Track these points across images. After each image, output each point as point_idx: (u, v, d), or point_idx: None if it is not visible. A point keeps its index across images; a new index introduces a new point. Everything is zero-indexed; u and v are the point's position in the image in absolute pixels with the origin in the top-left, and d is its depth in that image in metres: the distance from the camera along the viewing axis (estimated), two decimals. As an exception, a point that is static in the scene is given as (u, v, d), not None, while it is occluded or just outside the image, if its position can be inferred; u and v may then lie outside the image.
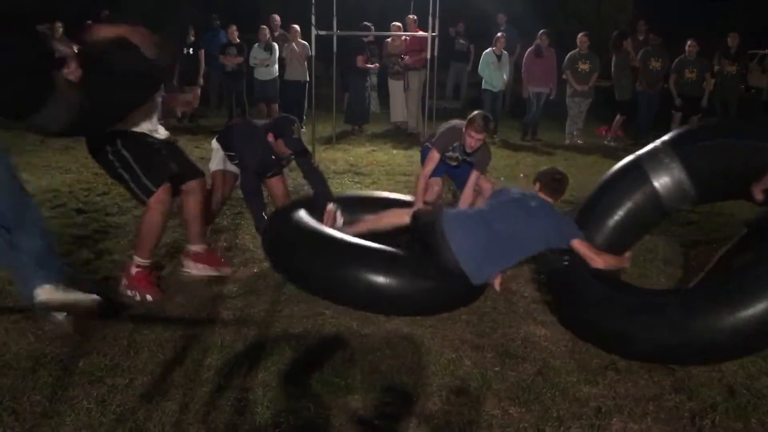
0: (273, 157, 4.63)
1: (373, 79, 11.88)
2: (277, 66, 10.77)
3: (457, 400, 2.90)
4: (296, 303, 3.88)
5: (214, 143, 4.75)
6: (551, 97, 10.52)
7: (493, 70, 10.24)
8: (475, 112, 4.88)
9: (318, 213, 4.48)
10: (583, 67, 10.15)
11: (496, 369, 3.18)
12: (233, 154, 4.61)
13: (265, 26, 10.89)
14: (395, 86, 10.86)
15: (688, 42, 9.79)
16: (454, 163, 5.08)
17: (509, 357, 3.30)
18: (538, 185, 4.07)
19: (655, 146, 4.07)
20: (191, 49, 11.16)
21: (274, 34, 11.14)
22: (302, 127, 10.74)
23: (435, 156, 4.99)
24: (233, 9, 14.96)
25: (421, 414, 2.79)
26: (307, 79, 10.49)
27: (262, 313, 3.72)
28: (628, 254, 4.02)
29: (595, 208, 4.08)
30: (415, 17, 10.49)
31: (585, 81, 10.17)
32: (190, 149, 8.88)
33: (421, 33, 9.96)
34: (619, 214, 3.95)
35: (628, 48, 10.37)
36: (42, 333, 3.36)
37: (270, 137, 4.55)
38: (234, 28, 11.15)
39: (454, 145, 4.98)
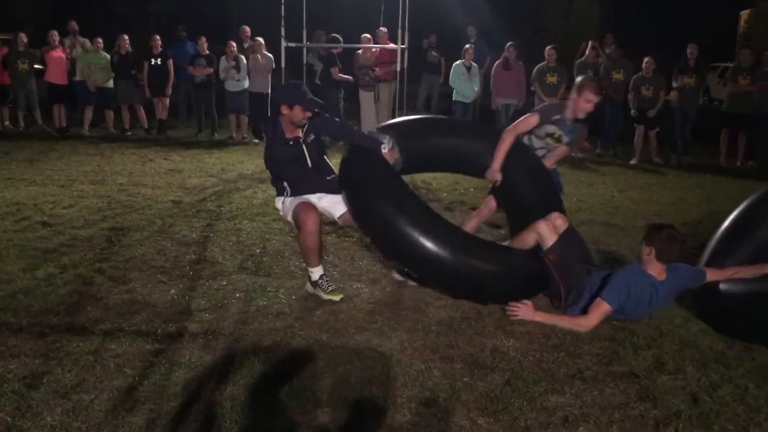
0: (288, 144, 4.22)
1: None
2: (246, 78, 10.75)
3: (426, 412, 2.90)
4: (266, 316, 3.86)
5: None
6: (519, 108, 10.64)
7: (463, 82, 10.35)
8: (582, 77, 4.77)
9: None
10: (551, 79, 10.30)
11: (465, 380, 3.19)
12: None
13: (231, 41, 10.88)
14: (366, 98, 10.90)
15: (645, 60, 9.98)
16: (551, 143, 4.80)
17: (478, 367, 3.31)
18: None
19: None
20: (159, 59, 11.11)
21: (244, 45, 11.13)
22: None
23: (533, 119, 4.63)
24: (203, 20, 14.92)
25: (391, 426, 2.79)
26: (269, 91, 10.67)
27: (231, 327, 3.70)
28: None
29: (749, 225, 4.21)
30: (386, 30, 10.55)
31: (553, 93, 10.30)
32: (159, 161, 8.84)
33: (391, 45, 10.03)
34: None
35: (591, 57, 10.57)
36: (6, 349, 3.30)
37: (284, 110, 4.12)
38: (203, 39, 11.11)
39: (557, 116, 4.68)
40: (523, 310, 3.91)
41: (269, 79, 10.71)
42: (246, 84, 10.73)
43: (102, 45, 11.19)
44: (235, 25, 12.66)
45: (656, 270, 3.81)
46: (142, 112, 11.39)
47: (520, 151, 4.70)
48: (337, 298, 4.15)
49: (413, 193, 4.30)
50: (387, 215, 3.93)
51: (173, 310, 3.92)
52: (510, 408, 2.93)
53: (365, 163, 4.21)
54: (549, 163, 4.84)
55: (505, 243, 4.51)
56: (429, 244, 3.85)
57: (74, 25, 11.74)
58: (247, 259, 4.85)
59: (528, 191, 4.67)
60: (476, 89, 10.59)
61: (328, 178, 4.35)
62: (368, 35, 10.71)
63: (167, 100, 11.47)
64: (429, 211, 4.17)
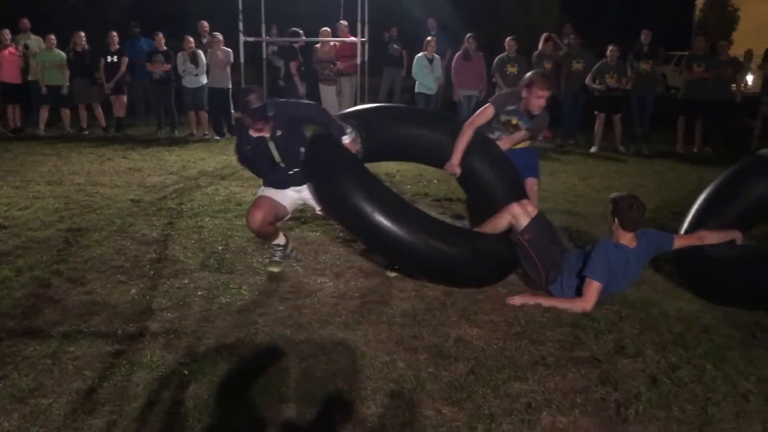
0: (252, 144, 4.25)
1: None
2: (205, 74, 10.62)
3: (391, 403, 2.90)
4: (229, 313, 3.82)
5: None
6: (481, 99, 10.70)
7: (425, 74, 10.38)
8: (530, 73, 4.81)
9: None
10: (512, 69, 10.37)
11: (430, 370, 3.20)
12: None
13: (189, 36, 10.73)
14: (327, 92, 10.85)
15: (610, 47, 10.10)
16: (512, 130, 4.88)
17: (442, 357, 3.33)
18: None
19: None
20: (116, 57, 10.91)
21: (203, 41, 10.98)
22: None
23: (489, 111, 4.71)
24: (159, 16, 14.67)
25: (356, 419, 2.79)
26: (230, 86, 10.55)
27: (193, 325, 3.65)
28: (738, 233, 4.26)
29: (719, 195, 4.43)
30: (346, 23, 10.51)
31: (513, 83, 10.36)
32: (118, 160, 8.70)
33: (351, 38, 9.99)
34: (742, 201, 4.34)
35: (547, 49, 10.67)
36: (-42, 355, 3.21)
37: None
38: (161, 35, 10.94)
39: (511, 108, 4.76)
40: (523, 296, 4.07)
41: (228, 73, 10.61)
42: (204, 80, 10.60)
43: (55, 42, 10.93)
44: (193, 20, 12.46)
45: (626, 239, 3.99)
46: (99, 111, 11.18)
47: (481, 143, 4.74)
48: (275, 269, 4.43)
49: (379, 180, 4.31)
50: (355, 201, 3.96)
51: (134, 310, 3.85)
52: (474, 396, 2.95)
53: (330, 151, 4.22)
54: (505, 145, 4.89)
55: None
56: (399, 230, 3.91)
57: (26, 22, 11.44)
58: (209, 257, 4.79)
59: (492, 183, 4.71)
60: (438, 80, 10.61)
61: (291, 172, 4.36)
62: (327, 29, 10.66)
63: (125, 98, 11.28)
64: (397, 197, 4.25)
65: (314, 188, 4.28)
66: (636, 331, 3.65)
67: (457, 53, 10.64)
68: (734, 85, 10.65)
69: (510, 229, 4.23)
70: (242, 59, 9.31)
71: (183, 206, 6.23)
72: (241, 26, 8.73)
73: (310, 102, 4.57)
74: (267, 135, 4.24)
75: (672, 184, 7.84)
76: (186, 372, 3.12)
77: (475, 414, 2.81)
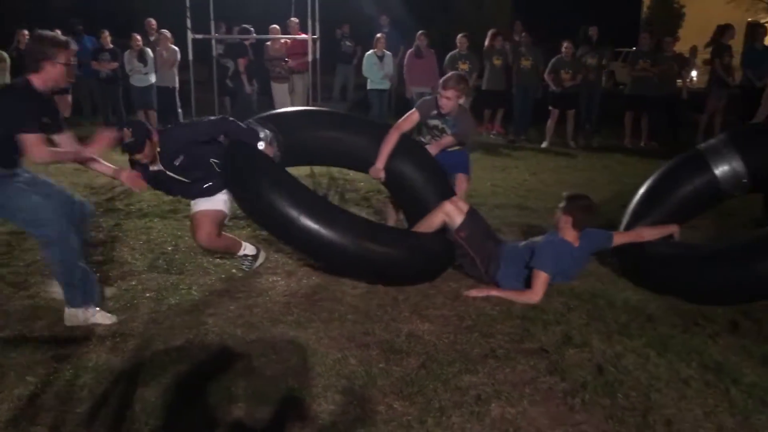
0: (151, 177, 4.18)
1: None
2: (153, 72, 10.44)
3: (342, 400, 2.90)
4: (178, 314, 3.77)
5: None
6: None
7: (375, 71, 10.37)
8: (447, 74, 4.88)
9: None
10: (463, 66, 10.42)
11: (381, 365, 3.21)
12: None
13: (136, 34, 10.53)
14: (279, 90, 10.76)
15: (564, 44, 10.26)
16: (437, 134, 4.97)
17: (394, 353, 3.34)
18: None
19: (717, 140, 4.65)
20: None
21: (150, 38, 10.79)
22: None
23: (414, 116, 4.78)
24: (105, 13, 14.35)
25: (306, 417, 2.78)
26: (176, 85, 10.44)
27: (141, 327, 3.59)
28: (675, 227, 4.39)
29: (658, 189, 4.61)
30: (297, 20, 10.45)
31: (465, 80, 10.45)
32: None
33: (302, 36, 9.94)
34: (679, 195, 4.51)
35: (497, 45, 10.79)
36: None
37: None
38: (106, 33, 10.70)
39: (434, 112, 4.86)
40: (478, 289, 4.14)
41: (175, 72, 10.46)
42: (153, 78, 10.42)
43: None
44: (140, 17, 12.22)
45: (572, 236, 4.11)
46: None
47: (406, 146, 4.76)
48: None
49: (303, 184, 4.27)
50: (282, 209, 3.92)
51: (79, 313, 3.76)
52: (425, 390, 2.97)
53: (246, 159, 4.13)
54: (433, 150, 4.94)
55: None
56: (332, 234, 3.92)
57: None
58: (158, 258, 4.71)
59: (419, 185, 4.71)
60: (388, 77, 10.62)
61: (205, 185, 4.19)
62: (277, 26, 10.58)
63: (69, 97, 10.99)
64: (324, 200, 4.37)
65: (237, 200, 4.21)
66: (583, 321, 3.72)
67: (409, 50, 10.67)
68: (680, 80, 10.93)
69: (444, 228, 4.31)
70: (191, 57, 9.15)
71: (131, 207, 6.11)
72: (188, 23, 8.58)
73: (212, 118, 4.32)
74: (161, 167, 4.08)
75: (621, 177, 8.00)
76: (133, 375, 3.07)
77: (426, 408, 2.83)
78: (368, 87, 10.55)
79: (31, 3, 19.42)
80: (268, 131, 4.29)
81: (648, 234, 4.32)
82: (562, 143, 10.42)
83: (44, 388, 2.95)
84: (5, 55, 10.61)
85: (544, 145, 10.34)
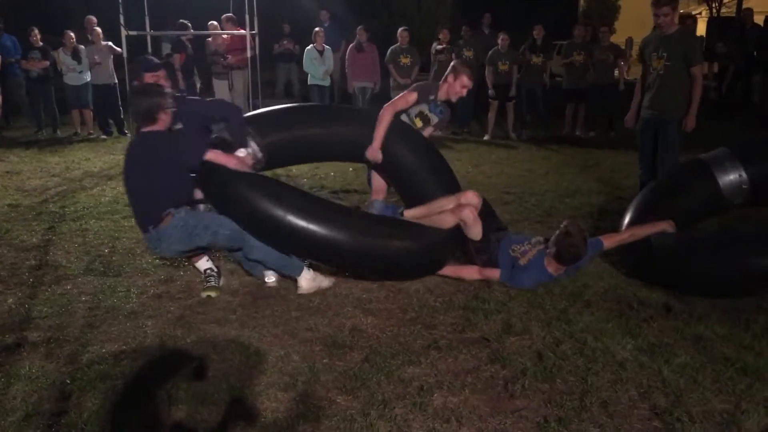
0: None
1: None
2: (88, 70, 10.15)
3: (285, 397, 2.89)
4: (115, 317, 3.68)
5: None
6: (375, 91, 10.77)
7: (317, 66, 10.33)
8: (457, 60, 4.75)
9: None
10: (405, 60, 10.49)
11: (325, 361, 3.20)
12: None
13: (69, 31, 10.20)
14: (220, 86, 10.60)
15: (501, 36, 10.40)
16: (419, 123, 4.71)
17: (337, 347, 3.34)
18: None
19: (720, 151, 4.70)
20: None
21: (89, 36, 10.46)
22: (126, 133, 10.22)
23: (411, 97, 4.57)
24: (35, 11, 13.86)
25: (250, 416, 2.75)
26: (115, 81, 10.14)
27: (77, 332, 3.49)
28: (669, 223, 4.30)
29: (662, 196, 4.65)
30: (233, 15, 10.31)
31: (407, 74, 10.51)
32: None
33: (240, 31, 9.81)
34: (681, 202, 4.57)
35: (446, 39, 10.86)
36: None
37: None
38: (36, 30, 10.32)
39: (432, 97, 4.66)
40: None
41: (111, 69, 10.20)
42: (88, 77, 10.13)
43: None
44: (72, 14, 11.84)
45: (554, 267, 4.08)
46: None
47: (400, 127, 4.58)
48: (214, 294, 4.04)
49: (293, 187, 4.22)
50: (284, 218, 3.79)
51: (11, 320, 3.64)
52: (368, 383, 2.98)
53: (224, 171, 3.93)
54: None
55: (411, 213, 4.40)
56: (346, 234, 3.85)
57: None
58: (94, 260, 4.59)
59: (417, 166, 4.50)
60: (328, 71, 10.57)
61: None
62: (215, 22, 10.42)
63: (-1, 97, 10.57)
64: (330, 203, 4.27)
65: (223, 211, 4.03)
66: (523, 309, 3.79)
67: (350, 45, 10.65)
68: (616, 70, 11.17)
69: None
70: (125, 54, 8.91)
71: (66, 209, 5.93)
72: (122, 19, 8.35)
73: (230, 103, 4.38)
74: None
75: (559, 167, 8.17)
76: (68, 381, 2.99)
77: (369, 401, 2.84)
78: (309, 82, 10.50)
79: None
80: (254, 143, 4.12)
81: (641, 232, 4.26)
82: (504, 135, 10.56)
83: (-26, 398, 2.85)
84: None
85: (486, 137, 10.46)
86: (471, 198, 4.28)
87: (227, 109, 4.34)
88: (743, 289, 3.99)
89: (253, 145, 4.10)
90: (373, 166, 4.62)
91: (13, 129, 11.11)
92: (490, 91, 10.46)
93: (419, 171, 4.48)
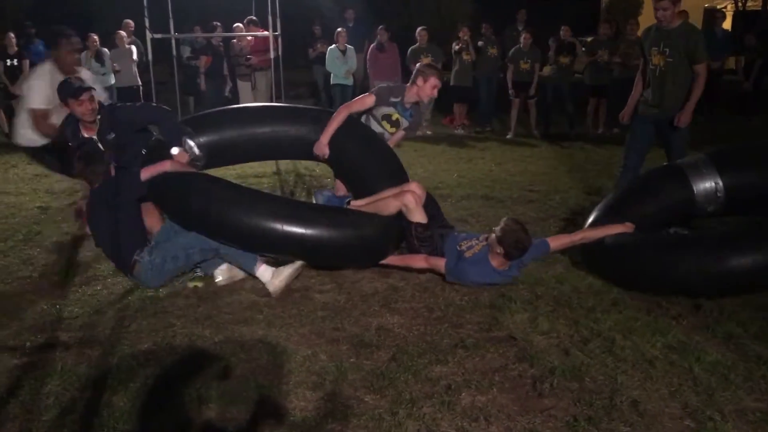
0: (79, 142, 4.38)
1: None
2: (112, 73, 10.28)
3: (313, 396, 2.90)
4: (144, 317, 3.72)
5: None
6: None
7: (339, 65, 10.37)
8: (421, 63, 4.82)
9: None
10: (425, 60, 10.46)
11: (352, 360, 3.21)
12: None
13: (93, 34, 10.34)
14: (244, 88, 10.69)
15: (523, 35, 10.37)
16: (387, 127, 4.82)
17: (364, 347, 3.35)
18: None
19: (697, 157, 4.60)
20: (15, 59, 10.42)
21: (123, 33, 10.60)
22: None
23: (369, 100, 4.69)
24: (63, 15, 14.06)
25: (278, 415, 2.77)
26: (139, 83, 10.30)
27: (107, 332, 3.54)
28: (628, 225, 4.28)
29: (632, 198, 4.59)
30: (255, 18, 10.39)
31: (429, 73, 10.48)
32: (23, 166, 8.33)
33: (264, 33, 9.86)
34: (655, 207, 4.48)
35: (465, 37, 10.81)
36: None
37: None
38: (63, 34, 10.47)
39: (395, 99, 4.74)
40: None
41: (135, 71, 10.33)
42: (112, 80, 10.25)
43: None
44: (98, 18, 12.01)
45: (500, 262, 4.05)
46: (2, 116, 10.64)
47: (352, 125, 4.70)
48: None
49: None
50: (213, 209, 3.98)
51: (43, 321, 3.70)
52: (395, 382, 2.98)
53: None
54: (391, 144, 4.86)
55: (357, 202, 4.51)
56: (275, 222, 3.96)
57: None
58: (123, 261, 4.64)
59: (366, 159, 4.65)
60: (351, 71, 10.58)
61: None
62: (240, 24, 10.50)
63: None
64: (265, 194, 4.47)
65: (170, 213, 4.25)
66: (550, 308, 3.77)
67: (371, 45, 10.67)
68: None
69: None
70: (150, 57, 9.00)
71: (94, 211, 6.00)
72: (147, 22, 8.43)
73: (160, 106, 4.60)
74: (93, 135, 4.32)
75: (584, 165, 8.11)
76: (100, 381, 3.03)
77: (397, 399, 2.85)
78: (331, 82, 10.54)
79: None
80: (190, 141, 4.29)
81: (595, 234, 4.24)
82: (527, 133, 10.51)
83: (9, 397, 2.90)
84: None
85: (509, 136, 10.42)
86: (414, 187, 4.36)
87: (157, 112, 4.56)
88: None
89: (189, 143, 4.28)
90: (322, 161, 4.75)
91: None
92: (511, 91, 10.42)
93: (368, 170, 4.61)
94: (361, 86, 12.36)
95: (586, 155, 8.83)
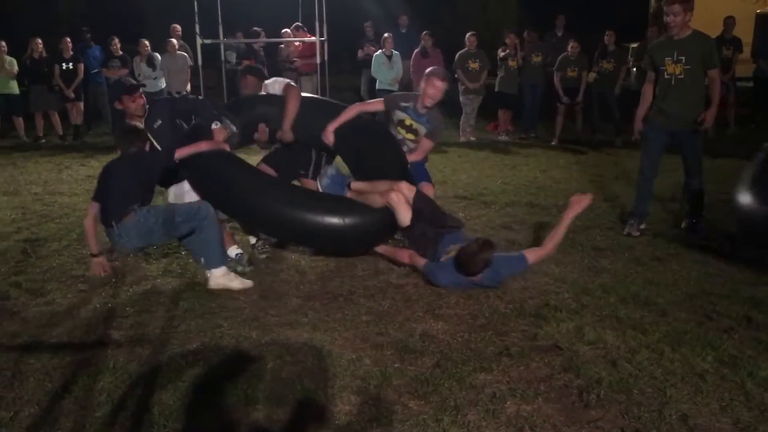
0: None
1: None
2: (163, 77, 10.51)
3: (358, 400, 2.92)
4: (192, 318, 3.80)
5: None
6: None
7: (385, 70, 10.41)
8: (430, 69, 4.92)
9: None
10: (473, 65, 10.46)
11: (396, 365, 3.22)
12: None
13: (144, 39, 10.60)
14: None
15: (571, 43, 10.28)
16: (404, 133, 4.93)
17: (408, 352, 3.35)
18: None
19: None
20: (71, 63, 10.73)
21: (174, 41, 10.85)
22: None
23: (378, 104, 4.92)
24: (116, 19, 14.42)
25: (323, 417, 2.80)
26: (188, 89, 10.59)
27: (157, 331, 3.62)
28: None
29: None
30: (301, 24, 10.53)
31: (476, 79, 10.48)
32: (76, 168, 8.56)
33: (310, 38, 9.98)
34: None
35: (513, 43, 10.75)
36: None
37: (117, 104, 4.77)
38: (116, 39, 10.78)
39: (406, 104, 4.88)
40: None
41: (184, 78, 10.54)
42: (163, 84, 10.49)
43: (5, 49, 10.69)
44: (150, 23, 12.30)
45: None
46: (56, 118, 10.98)
47: (364, 121, 4.92)
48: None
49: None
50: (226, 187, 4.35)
51: (95, 319, 3.81)
52: (440, 389, 2.98)
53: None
54: (418, 156, 4.95)
55: (356, 185, 4.69)
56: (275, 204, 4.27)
57: None
58: (171, 262, 4.75)
59: (369, 154, 4.80)
60: (397, 77, 10.60)
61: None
62: (288, 30, 10.65)
63: (81, 105, 11.09)
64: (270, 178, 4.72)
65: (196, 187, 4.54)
66: (596, 318, 3.72)
67: (416, 50, 10.69)
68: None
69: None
70: (200, 62, 9.20)
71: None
72: (197, 28, 8.62)
73: (198, 97, 5.32)
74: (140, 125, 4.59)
75: (631, 172, 7.94)
76: (150, 378, 3.10)
77: (441, 406, 2.85)
78: (377, 87, 10.58)
79: (40, 11, 19.54)
80: (227, 120, 4.59)
81: (561, 231, 4.24)
82: (572, 140, 10.39)
83: (63, 393, 2.98)
84: (14, 61, 10.71)
85: (554, 142, 10.32)
86: (402, 187, 4.42)
87: (195, 102, 5.08)
88: None
89: (227, 121, 4.58)
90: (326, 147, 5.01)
91: (95, 135, 11.60)
92: (564, 99, 10.31)
93: (374, 163, 4.74)
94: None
95: (634, 162, 8.63)
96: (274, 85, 5.01)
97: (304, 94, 5.03)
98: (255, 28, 11.39)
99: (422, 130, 4.90)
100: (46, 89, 10.89)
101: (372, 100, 4.97)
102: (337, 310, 3.92)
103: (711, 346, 3.34)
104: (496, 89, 10.96)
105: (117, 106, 4.71)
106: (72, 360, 3.29)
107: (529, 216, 5.96)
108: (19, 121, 10.95)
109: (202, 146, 4.41)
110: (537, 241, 5.12)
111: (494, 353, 3.34)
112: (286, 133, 4.81)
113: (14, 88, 10.77)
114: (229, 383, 3.06)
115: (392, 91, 10.51)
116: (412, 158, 4.90)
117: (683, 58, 5.04)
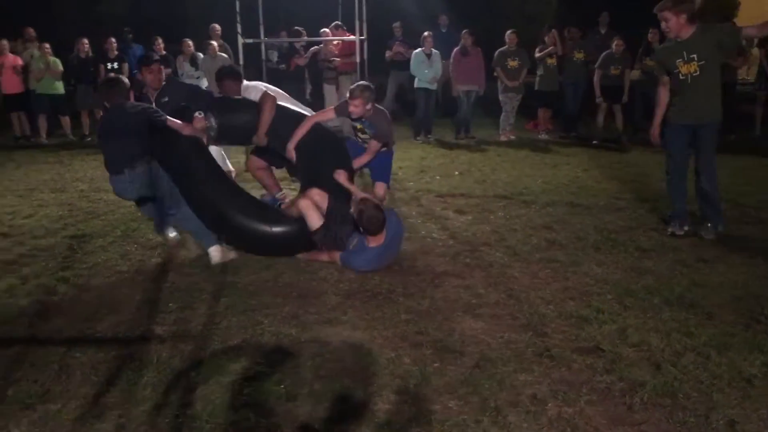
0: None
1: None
2: (205, 77, 10.64)
3: (397, 399, 2.92)
4: (234, 314, 3.84)
5: None
6: (480, 95, 10.69)
7: (423, 69, 10.37)
8: (354, 85, 5.21)
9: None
10: (513, 63, 10.36)
11: (435, 365, 3.21)
12: None
13: (187, 39, 10.74)
14: (330, 91, 10.88)
15: (615, 41, 10.11)
16: (362, 136, 5.38)
17: (448, 352, 3.34)
18: None
19: None
20: (115, 63, 10.94)
21: (215, 44, 10.99)
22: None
23: (329, 113, 5.36)
24: (158, 19, 14.65)
25: (363, 415, 2.81)
26: None
27: (199, 327, 3.68)
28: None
29: None
30: (340, 23, 10.55)
31: (515, 77, 10.38)
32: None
33: (351, 37, 9.99)
34: None
35: (552, 41, 10.61)
36: (-33, 364, 3.24)
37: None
38: (160, 39, 10.95)
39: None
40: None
41: None
42: (206, 83, 10.61)
43: (50, 50, 10.94)
44: (192, 23, 12.47)
45: (375, 241, 4.53)
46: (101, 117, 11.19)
47: (319, 133, 5.24)
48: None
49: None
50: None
51: (139, 314, 3.88)
52: (480, 389, 2.97)
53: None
54: (369, 156, 5.35)
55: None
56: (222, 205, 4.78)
57: (31, 32, 11.43)
58: (213, 259, 4.81)
59: (324, 169, 5.07)
60: (437, 76, 10.56)
61: None
62: (328, 30, 10.68)
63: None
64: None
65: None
66: (639, 320, 3.66)
67: (455, 49, 10.63)
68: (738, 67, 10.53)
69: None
70: (241, 61, 9.26)
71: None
72: (239, 28, 8.69)
73: (203, 89, 6.05)
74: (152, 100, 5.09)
75: (674, 172, 7.80)
76: (193, 374, 3.15)
77: (481, 407, 2.83)
78: (415, 85, 10.53)
79: (83, 12, 19.96)
80: (211, 115, 5.03)
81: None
82: (614, 139, 10.23)
83: (108, 386, 3.05)
84: (58, 62, 10.96)
85: (594, 142, 10.17)
86: (312, 194, 4.80)
87: (199, 90, 5.64)
88: None
89: (209, 115, 4.99)
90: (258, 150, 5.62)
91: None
92: (598, 98, 10.17)
93: (325, 175, 5.03)
94: (441, 90, 12.33)
95: (678, 162, 8.48)
96: (253, 91, 5.41)
97: (279, 103, 5.35)
98: (296, 28, 11.45)
99: (370, 132, 5.31)
100: (92, 88, 11.11)
101: (323, 110, 5.53)
102: (376, 308, 3.92)
103: (759, 350, 3.25)
104: (536, 87, 10.84)
105: (138, 78, 5.27)
106: (117, 354, 3.35)
107: (570, 216, 5.88)
108: (66, 120, 11.20)
109: (186, 129, 4.76)
110: (578, 242, 5.06)
111: (535, 354, 3.30)
112: (261, 138, 5.24)
113: (59, 88, 11.01)
114: (269, 380, 3.09)
115: (431, 90, 10.51)
116: (364, 159, 5.36)
117: (695, 55, 4.98)
